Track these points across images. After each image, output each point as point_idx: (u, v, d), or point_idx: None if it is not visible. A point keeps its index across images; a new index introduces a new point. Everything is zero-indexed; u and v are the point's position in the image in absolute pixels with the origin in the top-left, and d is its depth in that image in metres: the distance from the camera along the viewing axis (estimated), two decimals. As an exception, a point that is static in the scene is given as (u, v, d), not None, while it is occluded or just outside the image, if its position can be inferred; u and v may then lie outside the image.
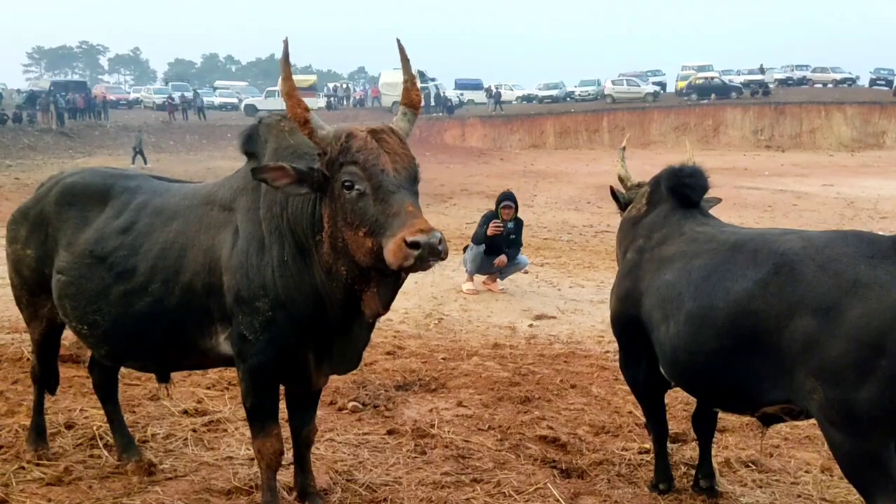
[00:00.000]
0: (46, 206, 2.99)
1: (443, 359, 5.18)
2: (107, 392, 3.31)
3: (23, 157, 29.95)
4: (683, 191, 3.09)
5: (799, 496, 3.14)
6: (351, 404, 4.08)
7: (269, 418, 2.66)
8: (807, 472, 3.41)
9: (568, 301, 7.77)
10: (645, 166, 30.66)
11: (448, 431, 3.69)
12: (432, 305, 7.21)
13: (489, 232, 7.97)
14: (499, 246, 8.17)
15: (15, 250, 3.05)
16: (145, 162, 29.32)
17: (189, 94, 46.99)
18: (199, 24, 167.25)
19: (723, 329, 2.52)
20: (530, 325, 6.59)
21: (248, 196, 2.63)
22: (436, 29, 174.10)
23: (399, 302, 6.86)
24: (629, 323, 2.97)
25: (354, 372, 3.10)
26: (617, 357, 5.49)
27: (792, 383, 2.35)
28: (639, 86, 45.97)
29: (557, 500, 2.96)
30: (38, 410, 3.27)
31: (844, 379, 2.19)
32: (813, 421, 2.49)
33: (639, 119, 42.27)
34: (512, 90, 52.10)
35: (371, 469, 3.19)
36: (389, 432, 3.69)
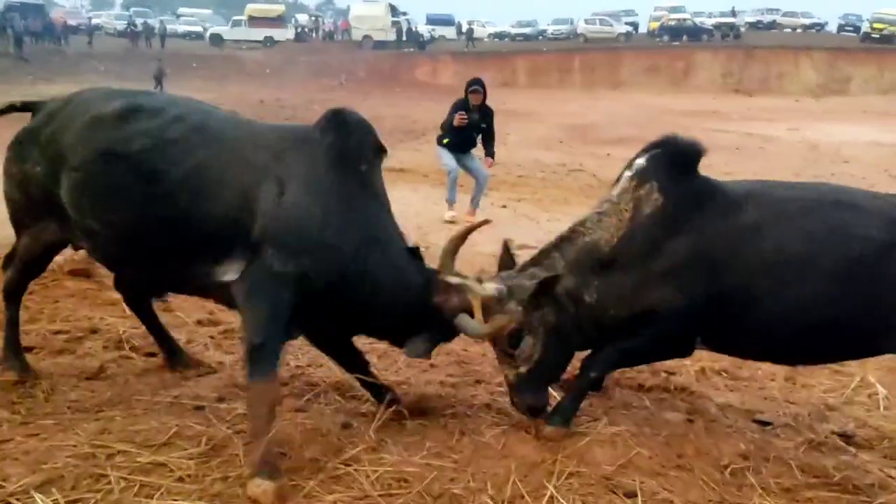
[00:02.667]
0: (63, 121, 2.89)
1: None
2: (139, 305, 3.36)
3: (-24, 82, 29.04)
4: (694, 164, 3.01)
5: (766, 398, 3.49)
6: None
7: (274, 358, 2.63)
8: (772, 380, 3.77)
9: (546, 233, 7.99)
10: (615, 106, 31.01)
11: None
12: (418, 235, 7.41)
13: (455, 123, 8.28)
14: (470, 136, 8.49)
15: (23, 170, 2.96)
16: (162, 87, 29.19)
17: (152, 21, 45.61)
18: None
19: (857, 280, 2.68)
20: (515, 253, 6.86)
21: (303, 158, 2.76)
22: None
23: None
24: (692, 307, 2.81)
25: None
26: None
27: None
28: (611, 25, 45.75)
29: (553, 395, 3.24)
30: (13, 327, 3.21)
31: None
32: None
33: (610, 59, 42.18)
34: (484, 27, 51.52)
35: (381, 371, 3.45)
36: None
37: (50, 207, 2.89)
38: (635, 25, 49.62)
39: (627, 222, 2.90)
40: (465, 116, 8.31)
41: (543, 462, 2.59)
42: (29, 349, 3.33)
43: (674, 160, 3.00)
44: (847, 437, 3.08)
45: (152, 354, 3.41)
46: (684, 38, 42.56)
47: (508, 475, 2.48)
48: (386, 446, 2.66)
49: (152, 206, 2.69)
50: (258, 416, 2.50)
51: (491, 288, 2.84)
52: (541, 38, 48.86)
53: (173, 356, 3.36)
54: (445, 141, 8.73)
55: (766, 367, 3.93)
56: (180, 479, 2.38)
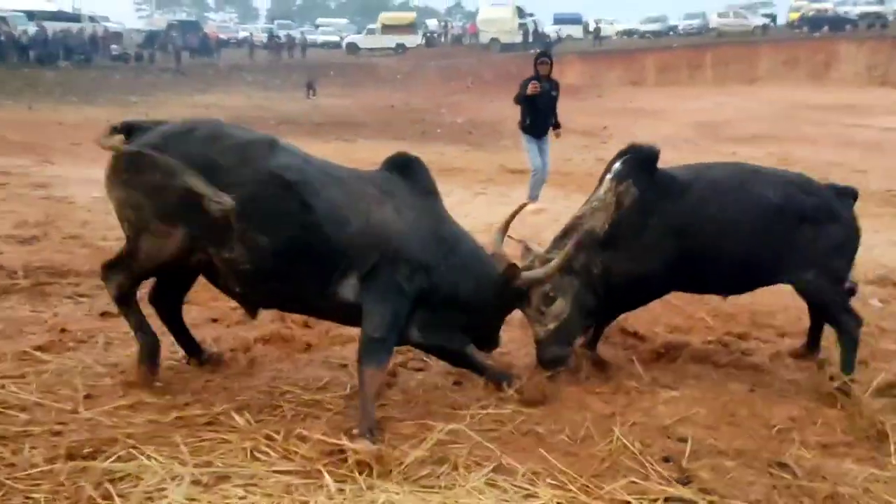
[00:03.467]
0: (188, 141, 3.18)
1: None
2: (174, 321, 3.62)
3: (146, 93, 31.98)
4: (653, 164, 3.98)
5: (832, 378, 3.90)
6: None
7: (389, 353, 3.25)
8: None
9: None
10: (749, 102, 30.01)
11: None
12: (533, 232, 7.99)
13: (528, 91, 8.87)
14: (542, 107, 9.04)
15: (153, 180, 3.10)
16: (314, 95, 32.97)
17: (294, 33, 48.46)
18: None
19: (764, 232, 3.83)
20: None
21: (406, 191, 3.43)
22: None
23: (468, 225, 7.76)
24: (668, 265, 3.86)
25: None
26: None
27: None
28: (747, 18, 44.19)
29: (639, 374, 3.81)
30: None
31: None
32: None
33: (745, 54, 40.76)
34: (612, 25, 51.03)
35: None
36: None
37: (184, 216, 3.10)
38: (773, 17, 47.68)
39: (614, 212, 3.82)
40: (538, 85, 8.92)
41: (613, 414, 3.19)
42: (215, 320, 4.27)
43: (641, 162, 3.96)
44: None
45: (307, 325, 4.25)
46: (825, 28, 40.53)
47: (584, 422, 3.10)
48: (486, 398, 3.35)
49: (305, 231, 3.11)
50: (367, 396, 3.05)
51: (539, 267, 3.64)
52: (671, 33, 47.91)
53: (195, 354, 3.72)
54: (528, 123, 9.36)
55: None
56: (334, 413, 3.17)
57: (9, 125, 19.08)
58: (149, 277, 3.41)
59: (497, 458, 2.70)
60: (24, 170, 10.86)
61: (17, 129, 18.10)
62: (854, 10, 42.76)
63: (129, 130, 3.25)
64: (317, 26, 58.44)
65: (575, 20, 51.51)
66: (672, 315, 5.00)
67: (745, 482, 2.66)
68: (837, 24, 40.65)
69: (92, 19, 43.64)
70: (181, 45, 39.62)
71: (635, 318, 4.81)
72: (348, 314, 3.29)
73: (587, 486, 2.54)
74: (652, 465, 2.75)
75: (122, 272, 3.27)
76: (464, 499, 2.38)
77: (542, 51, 9.77)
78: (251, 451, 2.67)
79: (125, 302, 3.32)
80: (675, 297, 5.36)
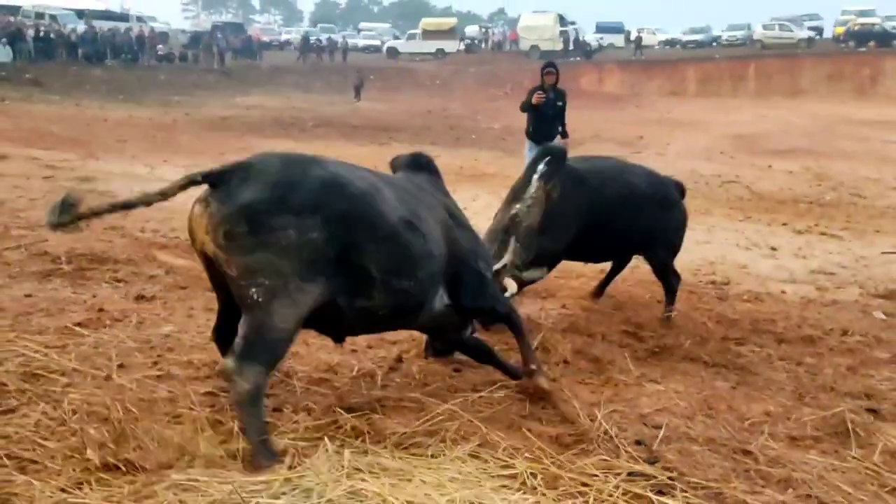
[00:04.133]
0: (314, 191, 2.93)
1: (554, 277, 6.29)
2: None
3: (189, 93, 32.83)
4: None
5: (820, 386, 4.09)
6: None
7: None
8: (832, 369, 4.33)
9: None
10: (790, 116, 29.66)
11: (550, 322, 4.88)
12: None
13: (533, 101, 9.10)
14: (546, 114, 9.27)
15: (287, 237, 2.79)
16: (358, 98, 33.58)
17: (336, 37, 49.23)
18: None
19: (636, 213, 4.98)
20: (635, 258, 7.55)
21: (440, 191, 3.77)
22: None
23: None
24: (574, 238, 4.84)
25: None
26: (707, 285, 6.45)
27: None
28: (792, 31, 43.74)
29: (629, 369, 4.05)
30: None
31: None
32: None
33: (789, 66, 40.36)
34: (654, 34, 50.88)
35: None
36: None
37: (324, 269, 2.89)
38: (819, 30, 47.12)
39: (545, 205, 4.59)
40: (543, 94, 9.16)
41: (598, 402, 3.44)
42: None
43: (558, 161, 4.75)
44: (874, 412, 3.65)
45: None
46: (872, 43, 39.95)
47: (568, 408, 3.36)
48: (482, 384, 3.64)
49: (427, 262, 3.23)
50: (528, 345, 3.65)
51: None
52: (714, 44, 47.64)
53: None
54: (531, 130, 9.57)
55: (832, 358, 4.49)
56: (340, 391, 3.48)
57: (57, 121, 19.86)
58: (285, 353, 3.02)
59: (483, 435, 2.97)
60: (70, 164, 11.41)
61: (65, 125, 18.85)
62: (902, 25, 42.14)
63: (214, 181, 2.85)
64: (359, 30, 59.21)
65: (617, 29, 51.46)
66: (675, 319, 5.21)
67: (707, 464, 2.89)
68: (884, 39, 40.01)
69: (139, 19, 44.85)
70: (225, 47, 40.50)
71: (636, 318, 5.05)
72: (434, 322, 3.51)
73: (560, 461, 2.79)
74: (624, 446, 2.99)
75: (260, 359, 2.78)
76: (446, 465, 2.64)
77: (549, 61, 9.99)
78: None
79: (257, 402, 2.78)
80: (679, 304, 5.59)
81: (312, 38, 47.50)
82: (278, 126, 24.14)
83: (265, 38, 49.37)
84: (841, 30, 43.42)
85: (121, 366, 3.33)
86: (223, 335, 3.06)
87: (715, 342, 4.72)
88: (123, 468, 2.39)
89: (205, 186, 2.85)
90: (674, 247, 5.31)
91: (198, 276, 5.04)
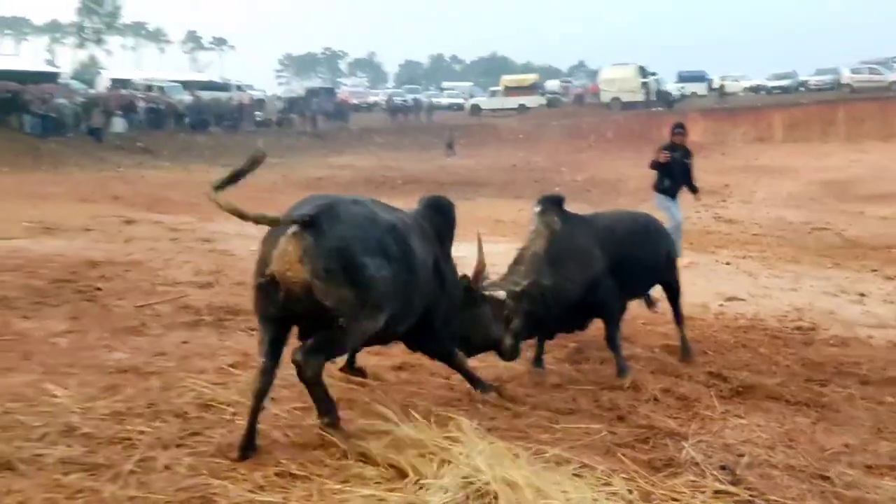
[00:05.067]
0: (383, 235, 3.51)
1: (641, 323, 6.68)
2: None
3: (285, 155, 34.56)
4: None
5: None
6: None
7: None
8: None
9: (760, 287, 8.84)
10: (884, 160, 28.94)
11: (634, 359, 5.31)
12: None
13: (661, 159, 9.73)
14: (673, 173, 9.79)
15: (378, 267, 3.34)
16: (450, 155, 35.45)
17: (421, 97, 51.04)
18: (426, 26, 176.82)
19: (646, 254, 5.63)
20: (721, 305, 7.82)
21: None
22: (655, 18, 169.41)
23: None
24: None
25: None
26: (793, 331, 6.70)
27: None
28: (881, 74, 42.76)
29: (714, 406, 4.42)
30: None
31: None
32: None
33: (880, 109, 39.26)
34: (738, 81, 50.53)
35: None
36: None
37: (389, 299, 3.47)
38: (911, 72, 45.84)
39: (549, 240, 4.98)
40: (668, 154, 9.63)
41: (685, 434, 3.85)
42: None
43: (553, 202, 5.23)
44: None
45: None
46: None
47: (659, 437, 3.79)
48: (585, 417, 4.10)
49: (426, 292, 3.87)
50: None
51: (500, 294, 4.62)
52: (801, 89, 46.95)
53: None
54: (663, 185, 10.08)
55: None
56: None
57: (170, 186, 21.50)
58: None
59: (581, 459, 3.42)
60: (190, 226, 12.49)
61: (178, 190, 20.39)
62: None
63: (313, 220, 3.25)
64: (442, 89, 61.08)
65: (699, 78, 51.33)
66: (758, 361, 5.52)
67: (785, 486, 3.24)
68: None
69: (239, 88, 47.82)
70: (317, 110, 42.64)
71: (721, 361, 5.40)
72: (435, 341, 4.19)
73: (652, 481, 3.21)
74: (710, 470, 3.37)
75: (323, 358, 3.40)
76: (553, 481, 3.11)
77: (678, 122, 10.72)
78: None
79: (320, 382, 3.42)
80: (763, 346, 5.89)
81: (399, 99, 49.33)
82: (370, 185, 25.27)
83: (354, 101, 51.62)
84: (935, 70, 42.18)
85: (273, 399, 3.94)
86: (269, 369, 3.40)
87: (798, 383, 5.00)
88: (291, 476, 2.96)
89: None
90: (676, 274, 6.00)
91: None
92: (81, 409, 3.52)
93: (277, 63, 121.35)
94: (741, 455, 3.59)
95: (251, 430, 3.26)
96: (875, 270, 10.12)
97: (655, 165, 9.96)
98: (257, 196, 20.27)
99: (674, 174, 9.90)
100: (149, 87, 41.99)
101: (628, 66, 47.48)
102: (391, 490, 2.94)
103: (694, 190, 10.26)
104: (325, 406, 3.43)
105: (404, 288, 3.56)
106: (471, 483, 2.96)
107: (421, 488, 2.90)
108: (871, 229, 15.68)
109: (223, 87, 48.21)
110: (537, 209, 5.19)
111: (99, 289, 6.70)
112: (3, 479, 2.74)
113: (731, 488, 3.17)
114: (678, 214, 10.17)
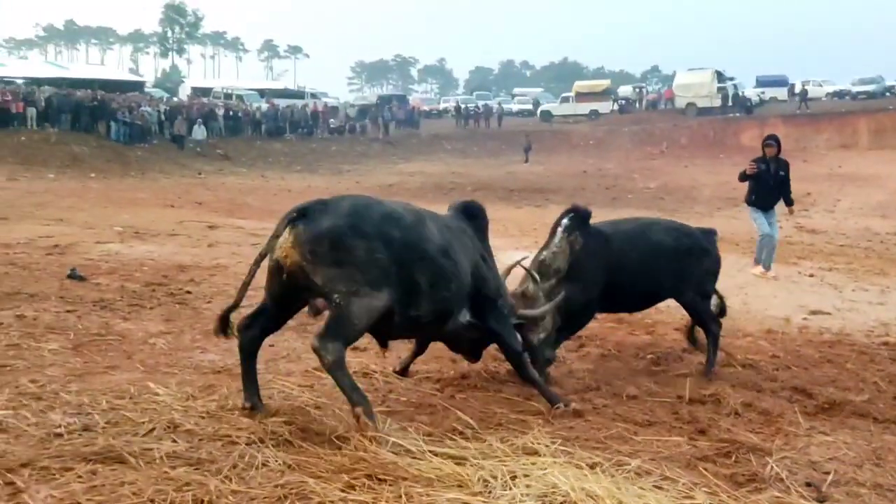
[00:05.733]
0: (377, 221, 3.80)
1: (723, 335, 6.58)
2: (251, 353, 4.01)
3: (357, 162, 35.36)
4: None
5: None
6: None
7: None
8: None
9: (846, 301, 8.57)
10: (970, 168, 27.36)
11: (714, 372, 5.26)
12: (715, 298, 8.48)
13: (747, 171, 9.60)
14: (767, 184, 9.60)
15: (359, 255, 3.64)
16: (528, 160, 35.86)
17: (491, 103, 51.15)
18: (496, 31, 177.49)
19: (659, 266, 5.54)
20: (804, 318, 7.62)
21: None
22: (736, 21, 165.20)
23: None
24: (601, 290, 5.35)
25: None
26: (880, 346, 6.51)
27: None
28: (972, 78, 40.71)
29: (798, 422, 4.35)
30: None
31: None
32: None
33: (968, 114, 37.62)
34: (821, 86, 48.86)
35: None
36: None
37: (388, 282, 3.72)
38: None
39: (570, 255, 5.15)
40: (755, 165, 9.44)
41: (770, 449, 3.81)
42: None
43: (583, 219, 5.29)
44: None
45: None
46: None
47: (743, 452, 3.77)
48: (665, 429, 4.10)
49: (456, 283, 4.08)
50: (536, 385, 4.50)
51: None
52: (887, 94, 45.13)
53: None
54: (753, 198, 9.87)
55: None
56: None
57: (248, 192, 22.21)
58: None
59: (662, 471, 3.44)
60: (269, 232, 12.87)
61: (256, 196, 21.05)
62: None
63: (303, 213, 3.72)
64: (513, 96, 61.05)
65: (780, 82, 49.89)
66: (845, 377, 5.40)
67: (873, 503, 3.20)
68: None
69: (313, 95, 48.90)
70: (389, 117, 43.24)
71: (805, 376, 5.30)
72: (455, 335, 4.39)
73: (735, 496, 3.20)
74: (794, 486, 3.35)
75: (339, 339, 3.64)
76: (634, 492, 3.14)
77: (770, 135, 10.43)
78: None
79: (343, 367, 3.66)
80: (849, 361, 5.74)
81: (471, 105, 49.52)
82: (439, 191, 25.50)
83: (425, 108, 52.12)
84: None
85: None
86: (249, 326, 4.02)
87: (886, 400, 4.86)
88: (378, 479, 3.08)
89: None
90: (705, 290, 5.76)
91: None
92: (182, 406, 3.73)
93: (350, 70, 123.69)
94: (827, 473, 3.54)
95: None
96: (970, 285, 9.69)
97: (743, 177, 9.79)
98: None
99: (768, 186, 9.71)
100: (228, 96, 43.44)
101: (705, 70, 46.52)
102: (474, 495, 3.02)
103: (789, 203, 10.03)
104: (356, 395, 3.66)
105: (411, 271, 3.84)
106: (552, 494, 3.02)
107: (501, 498, 2.97)
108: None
109: (298, 94, 49.50)
110: (565, 222, 5.27)
111: (189, 292, 7.02)
112: (115, 471, 2.94)
113: (817, 506, 3.15)
114: (765, 227, 9.97)
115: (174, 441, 3.27)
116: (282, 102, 42.35)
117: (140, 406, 3.69)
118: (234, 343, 5.26)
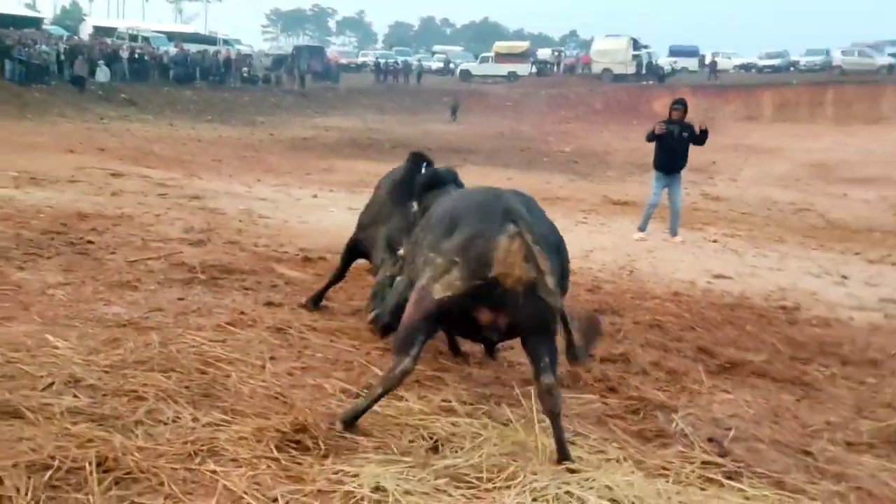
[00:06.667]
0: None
1: (630, 297, 6.78)
2: None
3: (271, 114, 34.30)
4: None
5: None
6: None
7: None
8: None
9: (747, 266, 8.97)
10: (871, 143, 29.18)
11: (623, 333, 5.40)
12: (626, 260, 8.72)
13: (656, 130, 9.85)
14: (672, 146, 9.90)
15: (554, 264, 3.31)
16: (457, 117, 35.92)
17: (411, 60, 50.57)
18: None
19: None
20: (708, 282, 7.92)
21: None
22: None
23: (599, 255, 8.50)
24: None
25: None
26: (777, 309, 6.82)
27: None
28: (872, 57, 42.93)
29: (702, 380, 4.53)
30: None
31: None
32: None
33: (869, 93, 39.61)
34: (730, 59, 50.52)
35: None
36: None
37: None
38: (902, 56, 46.03)
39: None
40: (663, 126, 9.74)
41: (675, 407, 3.96)
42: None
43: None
44: None
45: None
46: None
47: (650, 408, 3.90)
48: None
49: None
50: None
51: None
52: (791, 69, 47.07)
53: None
54: (658, 161, 10.22)
55: (893, 379, 4.86)
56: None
57: (155, 140, 21.25)
58: None
59: (574, 428, 3.52)
60: (178, 182, 12.41)
61: (164, 145, 20.18)
62: None
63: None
64: (433, 53, 60.52)
65: (691, 53, 51.26)
66: (745, 338, 5.65)
67: (771, 459, 3.36)
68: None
69: (226, 42, 47.03)
70: (305, 69, 42.11)
71: (709, 337, 5.52)
72: None
73: (643, 451, 3.31)
74: (698, 442, 3.49)
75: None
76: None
77: (677, 98, 10.80)
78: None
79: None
80: (749, 323, 6.01)
81: (390, 61, 48.78)
82: (357, 147, 25.14)
83: (343, 61, 51.03)
84: (925, 56, 42.39)
85: (272, 357, 4.00)
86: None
87: (783, 361, 5.12)
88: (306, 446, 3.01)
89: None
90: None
91: (310, 287, 5.76)
92: (84, 360, 3.55)
93: (264, 18, 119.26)
94: (728, 429, 3.70)
95: None
96: (858, 253, 10.30)
97: (650, 137, 10.04)
98: (245, 155, 20.23)
99: (668, 149, 9.99)
100: (133, 37, 41.24)
101: (621, 37, 47.29)
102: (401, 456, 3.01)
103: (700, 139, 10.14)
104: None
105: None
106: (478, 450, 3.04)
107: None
108: (854, 212, 15.91)
109: (210, 40, 47.46)
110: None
111: (91, 242, 6.67)
112: (11, 426, 2.78)
113: (719, 460, 3.29)
114: (654, 198, 10.31)
115: (75, 396, 3.11)
116: (192, 48, 40.47)
117: (38, 360, 3.49)
118: (140, 296, 5.11)
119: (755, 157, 27.77)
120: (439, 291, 3.11)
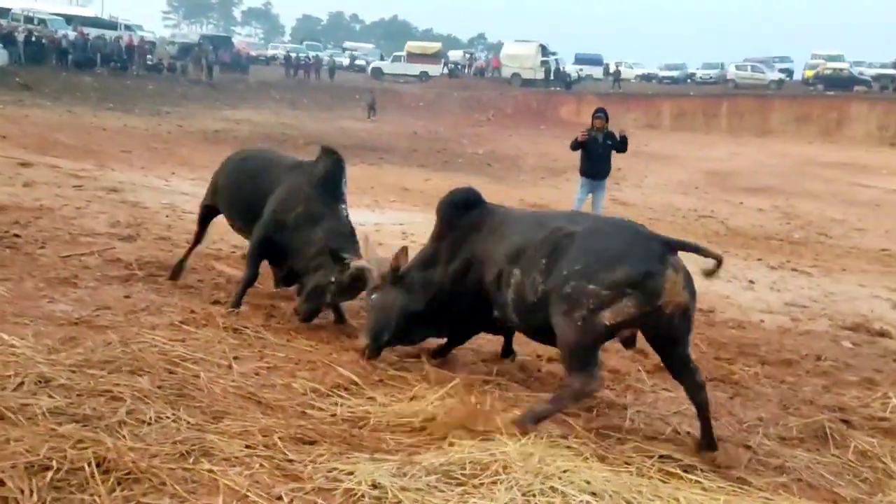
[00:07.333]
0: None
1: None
2: None
3: (178, 105, 33.18)
4: None
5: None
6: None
7: None
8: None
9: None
10: (760, 155, 30.63)
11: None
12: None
13: (579, 138, 10.25)
14: (596, 153, 10.34)
15: None
16: (374, 115, 35.36)
17: (323, 55, 49.97)
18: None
19: None
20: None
21: None
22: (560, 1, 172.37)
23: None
24: None
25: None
26: (696, 313, 7.22)
27: None
28: (763, 73, 45.53)
29: (643, 379, 4.81)
30: None
31: None
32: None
33: (759, 106, 42.01)
34: (632, 68, 52.45)
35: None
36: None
37: None
38: (790, 72, 49.08)
39: None
40: (586, 133, 10.14)
41: (624, 405, 4.21)
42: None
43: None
44: (846, 422, 4.46)
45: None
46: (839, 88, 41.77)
47: (602, 407, 4.13)
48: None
49: None
50: None
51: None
52: (689, 81, 49.33)
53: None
54: (583, 168, 10.67)
55: (809, 379, 5.30)
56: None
57: (57, 128, 20.24)
58: None
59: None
60: (90, 174, 11.94)
61: (68, 133, 19.25)
62: (869, 72, 44.01)
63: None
64: (343, 49, 60.04)
65: (596, 61, 52.97)
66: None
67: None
68: (851, 84, 41.80)
69: (128, 28, 45.15)
70: (213, 60, 40.96)
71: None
72: None
73: (605, 447, 3.53)
74: (651, 437, 3.75)
75: None
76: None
77: (599, 108, 11.18)
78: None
79: None
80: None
81: (302, 55, 48.05)
82: (271, 142, 24.60)
83: (253, 53, 49.92)
84: (811, 73, 45.27)
85: (235, 357, 4.00)
86: None
87: (710, 361, 5.48)
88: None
89: None
90: None
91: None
92: (47, 360, 3.45)
93: (165, 3, 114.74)
94: (670, 426, 3.98)
95: None
96: (760, 259, 10.99)
97: (575, 145, 10.41)
98: (155, 146, 19.56)
99: (591, 156, 10.39)
100: (29, 19, 39.00)
101: (530, 43, 48.31)
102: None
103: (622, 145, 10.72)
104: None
105: None
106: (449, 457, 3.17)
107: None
108: (750, 220, 16.88)
109: (110, 24, 45.46)
110: None
111: (17, 236, 6.40)
112: (-5, 428, 2.70)
113: (675, 453, 3.54)
114: (576, 203, 10.73)
115: (51, 396, 3.04)
116: (92, 32, 38.75)
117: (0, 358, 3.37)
118: (82, 293, 4.97)
119: (655, 163, 28.93)
120: (609, 318, 3.54)
